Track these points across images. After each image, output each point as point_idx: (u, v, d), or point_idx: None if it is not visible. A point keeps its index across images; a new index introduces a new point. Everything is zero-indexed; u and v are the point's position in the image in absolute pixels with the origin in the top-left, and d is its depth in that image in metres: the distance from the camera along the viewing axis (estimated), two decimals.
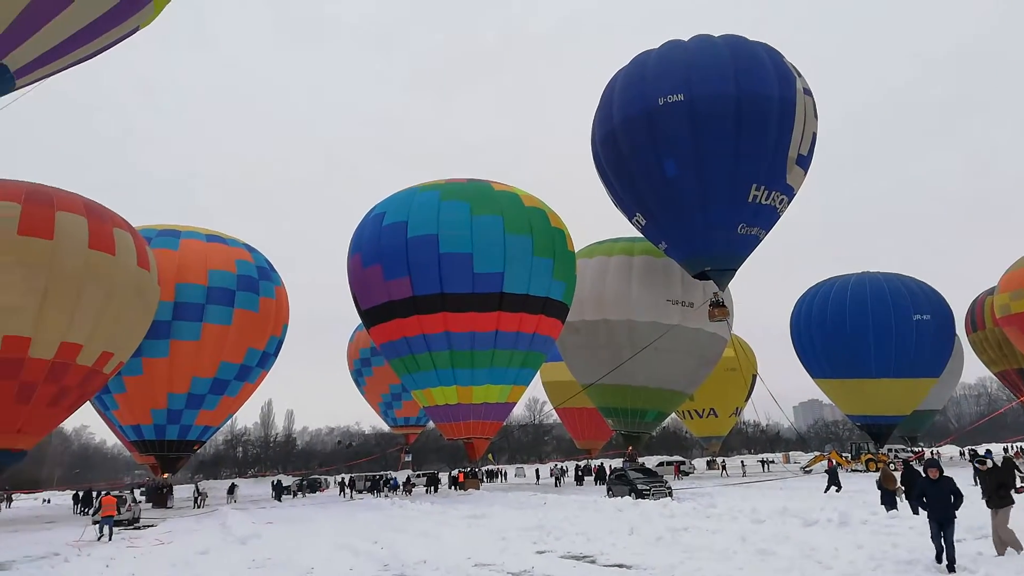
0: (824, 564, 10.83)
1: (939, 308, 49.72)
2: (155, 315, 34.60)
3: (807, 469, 52.80)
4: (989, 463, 11.91)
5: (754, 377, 63.52)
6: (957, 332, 54.25)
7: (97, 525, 22.22)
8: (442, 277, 36.12)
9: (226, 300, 39.24)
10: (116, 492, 29.61)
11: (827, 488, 27.85)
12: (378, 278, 37.50)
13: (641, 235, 41.90)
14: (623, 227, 41.73)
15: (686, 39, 36.86)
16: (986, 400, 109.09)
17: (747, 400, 64.86)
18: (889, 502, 18.29)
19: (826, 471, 31.41)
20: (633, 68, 37.23)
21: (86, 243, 29.73)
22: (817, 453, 65.11)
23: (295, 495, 52.10)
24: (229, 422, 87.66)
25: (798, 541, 12.97)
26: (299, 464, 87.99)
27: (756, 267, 40.67)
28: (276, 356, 43.88)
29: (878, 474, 20.10)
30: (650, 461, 58.64)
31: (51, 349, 28.95)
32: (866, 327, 48.20)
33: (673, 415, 73.43)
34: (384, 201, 40.36)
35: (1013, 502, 10.71)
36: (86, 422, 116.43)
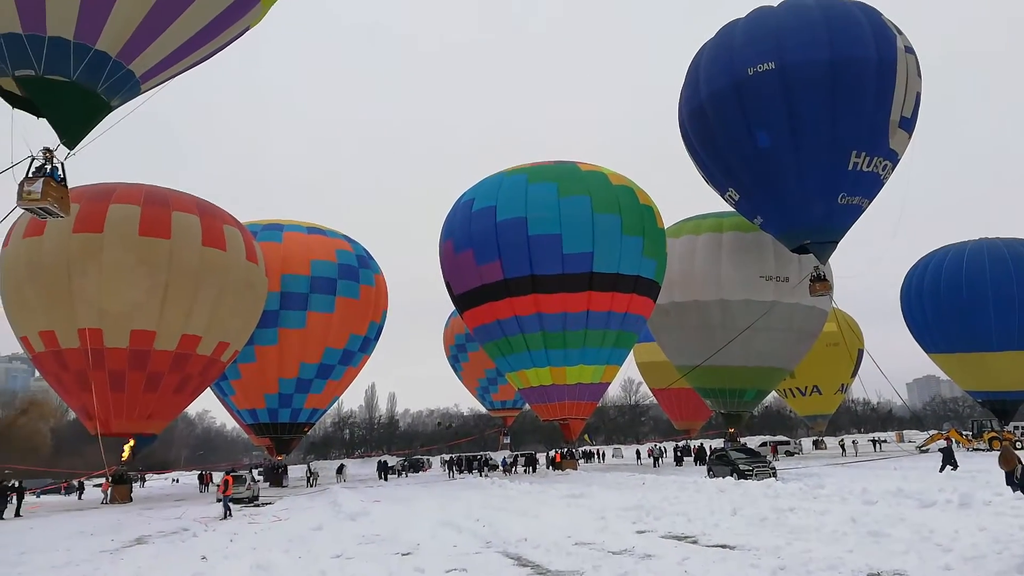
0: (943, 547, 10.29)
1: None
2: (264, 305, 36.67)
3: (923, 449, 49.94)
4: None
5: (860, 352, 60.45)
6: None
7: (220, 503, 23.91)
8: (532, 259, 36.34)
9: (328, 289, 41.09)
10: (236, 472, 31.68)
11: (941, 468, 26.32)
12: (470, 263, 38.16)
13: (730, 210, 40.76)
14: (709, 203, 40.53)
15: (775, 4, 35.19)
16: None
17: (853, 376, 61.89)
18: (1013, 483, 17.07)
19: (940, 450, 29.71)
20: (719, 39, 35.91)
21: (200, 241, 31.82)
22: (934, 432, 61.49)
23: (399, 474, 54.06)
24: (335, 405, 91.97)
25: (914, 523, 12.36)
26: (402, 445, 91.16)
27: (861, 237, 38.45)
28: (376, 341, 45.63)
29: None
30: (752, 441, 57.11)
31: (173, 341, 31.30)
32: (985, 296, 44.56)
33: (774, 394, 71.15)
34: (473, 187, 40.95)
35: None
36: (207, 407, 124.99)
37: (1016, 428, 47.15)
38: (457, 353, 63.58)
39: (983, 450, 43.02)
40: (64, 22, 17.96)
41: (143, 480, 60.54)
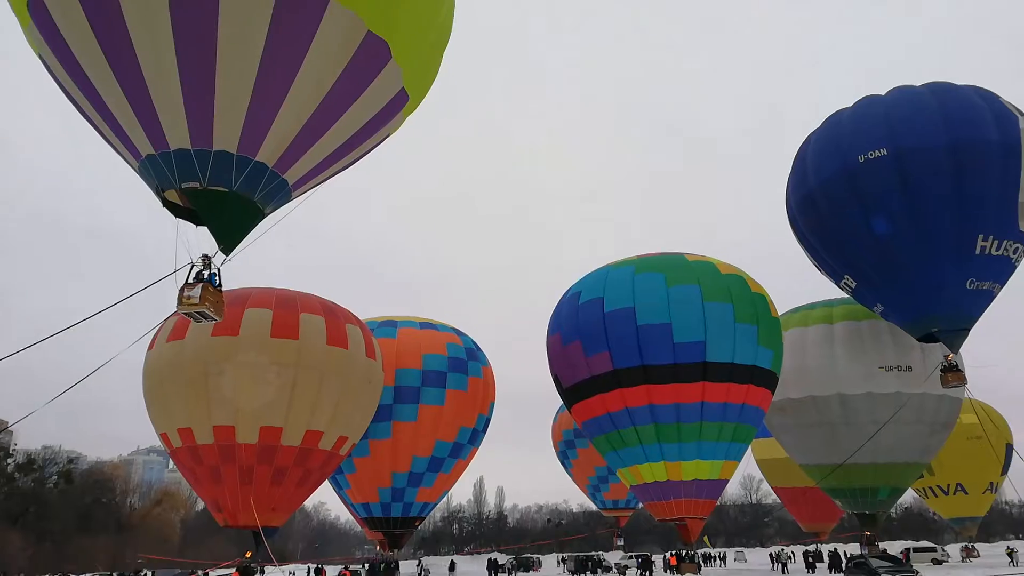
0: None
1: None
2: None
3: None
4: None
5: (1009, 447, 54.70)
6: None
7: None
8: (642, 349, 35.82)
9: (439, 382, 42.13)
10: (352, 567, 32.07)
11: None
12: (578, 355, 38.11)
13: (837, 299, 39.62)
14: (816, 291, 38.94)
15: (883, 93, 34.87)
16: None
17: (1004, 474, 55.83)
18: None
19: None
20: (826, 129, 35.81)
21: (325, 340, 33.74)
22: None
23: (509, 573, 52.83)
24: (444, 499, 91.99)
25: None
26: (511, 540, 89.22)
27: (999, 323, 35.90)
28: (484, 433, 45.96)
29: None
30: (892, 547, 52.02)
31: (298, 436, 32.80)
32: None
33: (915, 495, 64.99)
34: (580, 281, 41.43)
35: None
36: (323, 499, 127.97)
37: None
38: (566, 449, 62.54)
39: None
40: (229, 137, 19.39)
41: (263, 571, 62.17)
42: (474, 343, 46.67)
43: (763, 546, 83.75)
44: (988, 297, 33.27)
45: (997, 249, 31.94)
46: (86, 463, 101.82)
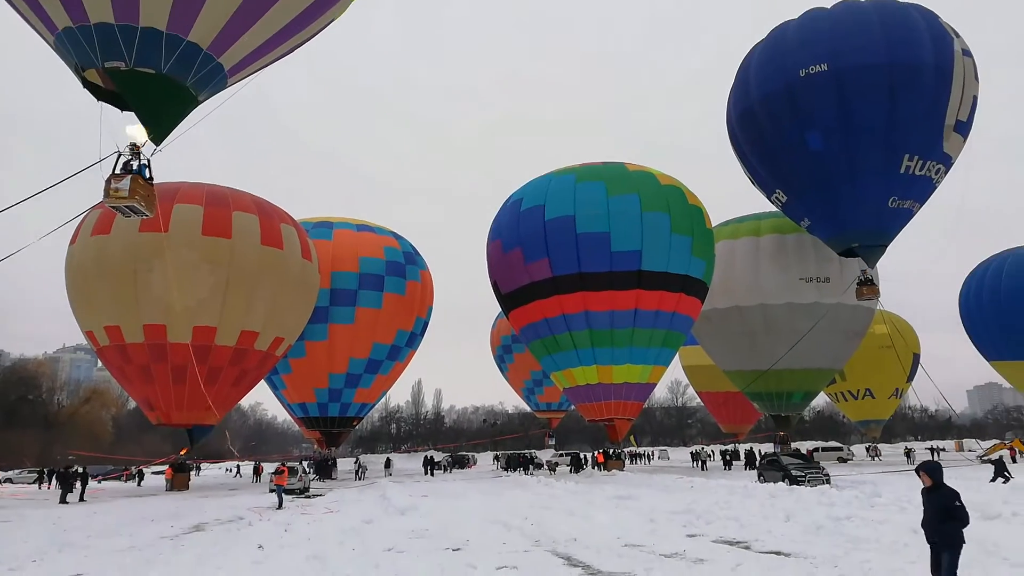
0: (1011, 561, 9.96)
1: None
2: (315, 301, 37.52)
3: (985, 459, 48.12)
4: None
5: (916, 357, 58.62)
6: None
7: (273, 493, 24.53)
8: (580, 257, 36.23)
9: (376, 285, 41.81)
10: (288, 464, 32.45)
11: (993, 479, 25.52)
12: (519, 261, 38.26)
13: (766, 211, 40.99)
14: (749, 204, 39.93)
15: (828, 6, 34.73)
16: None
17: (909, 382, 59.97)
18: None
19: (992, 461, 28.82)
20: (771, 41, 35.66)
21: (259, 240, 32.76)
22: (996, 441, 59.15)
23: (445, 470, 54.57)
24: (383, 400, 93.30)
25: (978, 535, 11.89)
26: (447, 441, 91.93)
27: (918, 241, 37.57)
28: (422, 337, 46.25)
29: None
30: (803, 447, 55.86)
31: (233, 337, 32.29)
32: None
33: (826, 399, 69.44)
34: (521, 188, 41.05)
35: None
36: (260, 399, 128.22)
37: None
38: (503, 354, 63.84)
39: None
40: (158, 12, 17.57)
41: (199, 469, 62.46)
42: (412, 247, 46.16)
43: (686, 445, 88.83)
44: (908, 215, 34.69)
45: (920, 169, 33.04)
46: (9, 360, 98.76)
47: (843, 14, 33.70)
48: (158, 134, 19.17)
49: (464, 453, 67.19)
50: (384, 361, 42.86)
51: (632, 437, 64.47)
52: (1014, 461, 44.67)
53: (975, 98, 33.68)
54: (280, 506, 23.13)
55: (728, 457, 51.62)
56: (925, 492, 8.10)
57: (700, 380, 63.78)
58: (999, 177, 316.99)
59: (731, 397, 57.10)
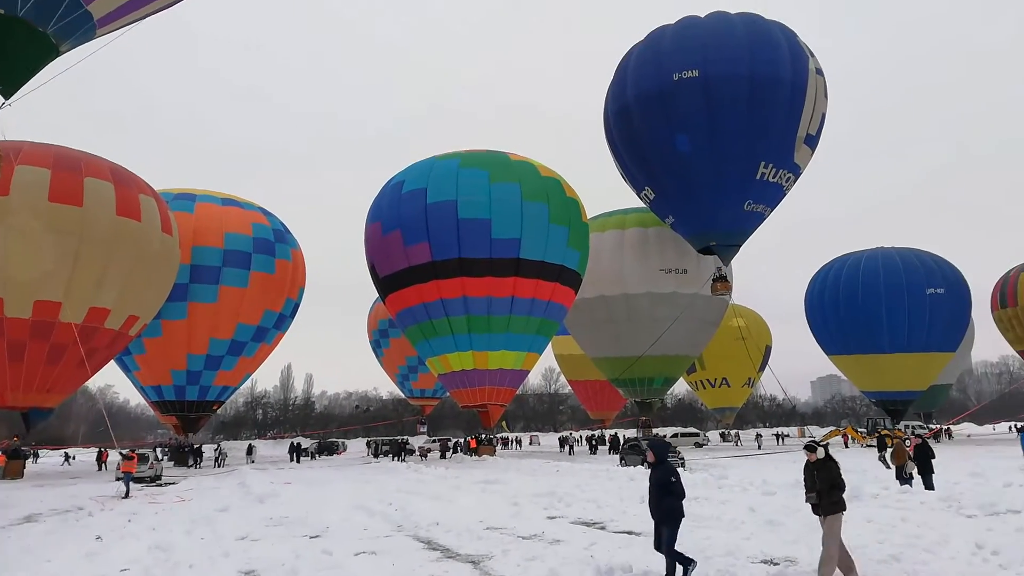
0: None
1: (954, 282, 48.97)
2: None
3: (822, 444, 52.76)
4: (820, 452, 8.90)
5: (767, 348, 63.50)
6: (975, 308, 53.44)
7: (120, 481, 22.86)
8: (460, 242, 36.29)
9: (242, 263, 39.79)
10: (139, 450, 30.38)
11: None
12: (398, 244, 37.71)
13: (631, 208, 43.90)
14: (617, 199, 41.81)
15: (702, 15, 36.89)
16: (1007, 379, 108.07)
17: (760, 372, 64.75)
18: (901, 477, 18.33)
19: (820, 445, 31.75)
20: (648, 44, 37.41)
21: (114, 210, 30.25)
22: (833, 428, 65.10)
23: (312, 457, 53.12)
24: (249, 384, 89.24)
25: (807, 514, 12.99)
26: (317, 427, 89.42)
27: (778, 243, 40.77)
28: (292, 318, 44.57)
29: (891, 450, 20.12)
30: (664, 432, 58.98)
31: (80, 314, 29.68)
32: (879, 302, 47.79)
33: (687, 387, 73.67)
34: (403, 170, 40.47)
35: (843, 508, 8.36)
36: (111, 381, 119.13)
37: (907, 427, 50.43)
38: (379, 339, 62.82)
39: (874, 446, 45.78)
40: None
41: (36, 455, 57.23)
42: (283, 224, 44.28)
43: (556, 431, 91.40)
44: (760, 218, 37.74)
45: (774, 176, 35.97)
46: None
47: (714, 25, 35.92)
48: (10, 86, 16.74)
49: (334, 439, 65.62)
50: (249, 343, 40.92)
51: (504, 423, 65.64)
52: (846, 446, 49.36)
53: (823, 115, 37.12)
54: (127, 495, 21.61)
55: (594, 442, 53.56)
56: (651, 469, 8.53)
57: (570, 368, 65.94)
58: (839, 186, 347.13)
59: (598, 385, 59.55)
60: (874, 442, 47.96)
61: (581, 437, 63.33)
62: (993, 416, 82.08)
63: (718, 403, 67.60)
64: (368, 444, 54.33)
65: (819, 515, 8.47)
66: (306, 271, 45.56)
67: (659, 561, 9.40)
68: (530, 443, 72.76)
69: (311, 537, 12.54)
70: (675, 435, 58.16)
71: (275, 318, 42.06)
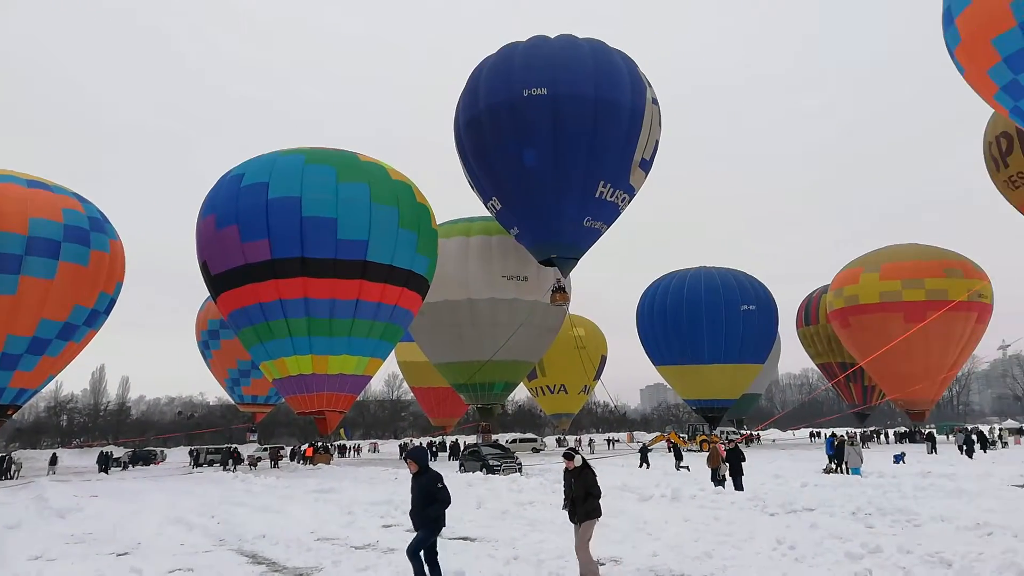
0: (654, 536, 11.55)
1: (764, 299, 54.73)
2: None
3: (648, 448, 56.18)
4: (578, 459, 8.78)
5: (603, 358, 66.89)
6: (780, 324, 59.60)
7: None
8: (304, 241, 34.74)
9: (49, 252, 35.62)
10: None
11: (640, 464, 31.27)
12: (234, 240, 35.40)
13: (476, 216, 45.27)
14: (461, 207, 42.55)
15: (552, 36, 38.44)
16: (807, 389, 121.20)
17: (596, 380, 68.04)
18: (716, 479, 19.88)
19: (639, 451, 34.49)
20: (500, 58, 38.47)
21: None
22: (658, 433, 69.56)
23: (125, 467, 48.72)
24: (52, 387, 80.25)
25: (633, 514, 13.76)
26: (132, 435, 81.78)
27: (617, 258, 43.30)
28: (107, 315, 40.55)
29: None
30: (504, 438, 60.04)
31: None
32: (700, 317, 52.46)
33: (528, 394, 75.63)
34: (243, 163, 38.10)
35: (599, 513, 8.47)
36: None
37: (722, 432, 55.06)
38: (209, 340, 58.42)
39: (696, 451, 49.42)
40: None
41: None
42: (101, 213, 40.16)
43: (396, 438, 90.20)
44: (597, 235, 39.94)
45: (611, 196, 38.16)
46: None
47: (563, 46, 37.64)
48: None
49: (151, 448, 60.44)
50: (54, 340, 36.55)
51: (343, 430, 63.73)
52: (669, 451, 52.89)
53: (657, 141, 39.99)
54: None
55: (435, 448, 53.52)
56: (414, 478, 8.38)
57: (413, 375, 65.53)
58: (670, 208, 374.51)
59: (441, 392, 59.69)
60: (694, 447, 51.91)
61: (422, 443, 62.96)
62: (794, 423, 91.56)
63: (555, 409, 70.01)
64: (191, 453, 50.36)
65: (574, 522, 8.58)
66: (126, 264, 41.63)
67: (491, 568, 9.50)
68: (369, 450, 71.29)
69: (118, 555, 11.42)
70: (514, 440, 59.41)
71: (86, 314, 37.93)
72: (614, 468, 31.86)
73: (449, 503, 8.26)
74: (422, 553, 8.18)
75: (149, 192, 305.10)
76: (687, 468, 29.61)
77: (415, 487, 8.25)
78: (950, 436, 55.07)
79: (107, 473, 41.25)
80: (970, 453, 34.02)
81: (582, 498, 8.46)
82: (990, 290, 51.40)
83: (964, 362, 59.37)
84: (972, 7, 25.48)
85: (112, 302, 40.46)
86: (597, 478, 8.67)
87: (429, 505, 8.09)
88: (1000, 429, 56.50)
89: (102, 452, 46.69)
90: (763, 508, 14.36)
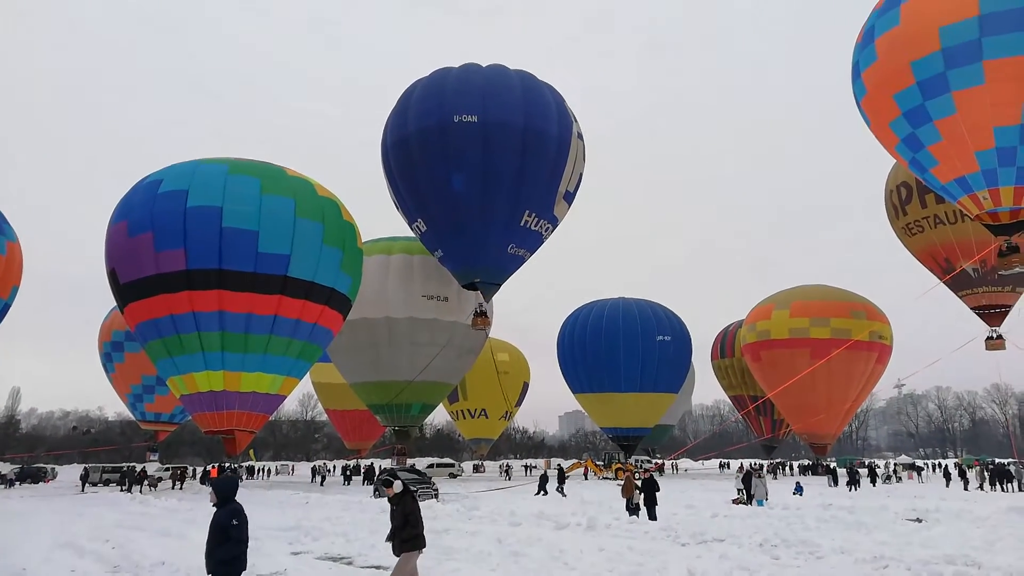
0: (569, 565, 11.57)
1: (679, 331, 56.53)
2: None
3: (565, 475, 56.53)
4: (398, 485, 8.23)
5: (525, 385, 67.17)
6: (695, 356, 61.57)
7: None
8: (222, 252, 33.42)
9: None
10: None
11: (538, 492, 32.03)
12: (147, 248, 33.75)
13: (399, 236, 45.34)
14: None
15: (483, 65, 39.07)
16: (719, 420, 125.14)
17: (518, 406, 68.19)
18: (630, 508, 20.14)
19: (540, 476, 35.47)
20: (432, 82, 38.69)
21: None
22: (575, 460, 70.13)
23: (11, 485, 45.33)
24: None
25: (549, 543, 13.75)
26: (21, 450, 76.24)
27: (544, 285, 43.85)
28: (0, 321, 37.92)
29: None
30: (421, 463, 59.20)
31: None
32: (617, 346, 53.72)
33: (447, 418, 74.95)
34: (162, 170, 36.58)
35: (421, 544, 7.96)
36: None
37: (637, 461, 56.01)
38: (111, 352, 55.04)
39: (611, 479, 50.06)
40: None
41: None
42: None
43: (309, 460, 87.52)
44: (521, 261, 40.45)
45: (535, 225, 38.85)
46: None
47: (494, 75, 38.32)
48: None
49: (41, 465, 56.48)
50: None
51: (252, 451, 61.35)
52: (586, 478, 53.31)
53: (581, 175, 41.10)
54: None
55: (348, 472, 52.20)
56: (215, 510, 7.24)
57: (328, 397, 63.91)
58: (591, 238, 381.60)
59: (356, 415, 58.47)
60: (609, 475, 52.55)
61: (334, 467, 61.34)
62: (705, 453, 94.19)
63: (475, 433, 69.61)
64: (84, 472, 47.01)
65: (395, 553, 7.86)
66: (22, 268, 39.12)
67: None
68: (277, 472, 68.91)
69: None
70: (431, 465, 58.68)
71: None
72: (531, 496, 31.87)
73: (245, 542, 7.07)
74: None
75: (50, 193, 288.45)
76: (562, 494, 31.62)
77: (212, 522, 7.06)
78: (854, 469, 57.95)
79: None
80: (854, 485, 37.57)
81: (399, 527, 7.77)
82: (890, 332, 54.57)
83: (864, 399, 62.81)
84: (877, 63, 27.42)
85: (6, 307, 37.91)
86: (418, 505, 8.01)
87: (221, 544, 6.90)
88: (895, 464, 59.89)
89: None
90: (675, 538, 14.63)
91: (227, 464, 42.80)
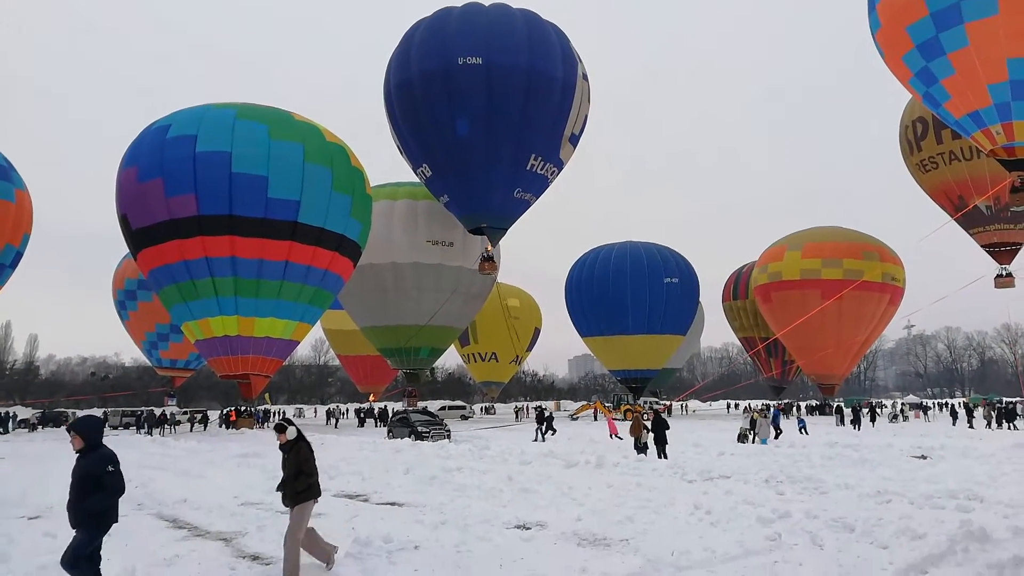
0: (578, 501, 11.88)
1: (686, 273, 56.60)
2: None
3: (574, 416, 57.51)
4: (292, 432, 7.31)
5: (537, 330, 67.65)
6: (702, 298, 61.50)
7: None
8: (232, 198, 33.49)
9: None
10: None
11: (540, 434, 30.83)
12: (158, 194, 33.81)
13: (404, 182, 45.16)
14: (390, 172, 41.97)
15: (486, 3, 38.00)
16: (727, 363, 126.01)
17: (529, 351, 68.88)
18: (638, 447, 20.53)
19: (537, 419, 35.01)
20: (434, 23, 37.79)
21: None
22: (584, 403, 71.18)
23: (34, 428, 46.61)
24: None
25: (558, 481, 14.09)
26: (42, 395, 78.12)
27: (553, 230, 43.70)
28: (14, 269, 38.46)
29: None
30: (433, 405, 60.26)
31: None
32: (624, 289, 53.94)
33: (458, 361, 75.82)
34: (170, 115, 36.30)
35: (315, 494, 7.24)
36: None
37: (645, 402, 56.71)
38: (125, 299, 55.62)
39: (620, 420, 50.79)
40: None
41: None
42: (7, 160, 37.77)
43: (323, 404, 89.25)
44: (526, 206, 40.40)
45: (541, 169, 38.63)
46: None
47: (498, 16, 37.34)
48: None
49: (62, 410, 57.94)
50: None
51: (267, 395, 62.49)
52: (595, 419, 54.19)
53: (586, 117, 40.53)
54: None
55: (362, 415, 53.23)
56: (78, 456, 6.08)
57: (340, 344, 64.73)
58: (596, 182, 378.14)
59: (368, 360, 59.30)
60: (619, 416, 53.34)
61: (348, 410, 62.57)
62: (712, 392, 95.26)
63: (486, 377, 70.61)
64: (104, 416, 48.17)
65: (285, 505, 7.21)
66: (33, 215, 39.34)
67: (418, 532, 9.59)
68: (295, 415, 70.37)
69: (29, 518, 10.98)
70: (443, 408, 59.73)
71: None
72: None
73: (121, 492, 6.08)
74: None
75: (59, 142, 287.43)
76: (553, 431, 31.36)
77: (75, 470, 5.99)
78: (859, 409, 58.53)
79: (6, 432, 39.36)
80: (856, 424, 38.12)
81: (292, 477, 7.06)
82: (903, 275, 54.27)
83: (874, 340, 62.91)
84: None
85: (18, 255, 38.35)
86: (313, 454, 7.33)
87: (90, 494, 5.89)
88: (902, 403, 60.39)
89: (6, 412, 44.52)
90: (682, 475, 14.93)
91: (243, 407, 43.74)
